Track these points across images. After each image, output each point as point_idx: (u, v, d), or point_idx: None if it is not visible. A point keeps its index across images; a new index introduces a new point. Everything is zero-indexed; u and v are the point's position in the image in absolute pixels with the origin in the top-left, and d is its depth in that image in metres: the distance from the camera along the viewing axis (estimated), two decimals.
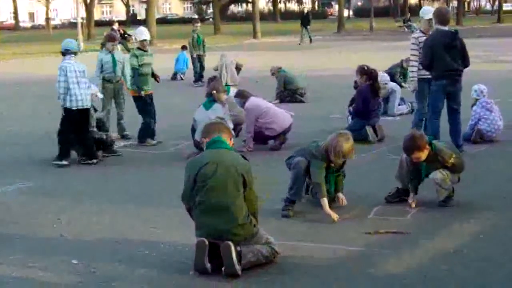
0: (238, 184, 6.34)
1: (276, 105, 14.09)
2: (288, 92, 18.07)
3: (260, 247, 6.35)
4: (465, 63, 10.87)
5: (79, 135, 11.21)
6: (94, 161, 11.20)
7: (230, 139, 6.71)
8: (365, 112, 12.51)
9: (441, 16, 10.88)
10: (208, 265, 6.17)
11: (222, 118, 11.11)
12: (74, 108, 11.08)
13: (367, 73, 12.73)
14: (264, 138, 12.04)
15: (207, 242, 6.18)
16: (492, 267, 6.28)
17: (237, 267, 6.08)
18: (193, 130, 11.57)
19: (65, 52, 11.26)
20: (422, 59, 11.03)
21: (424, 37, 11.32)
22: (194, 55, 23.69)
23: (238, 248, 6.18)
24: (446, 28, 10.82)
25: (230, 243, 6.10)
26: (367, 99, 12.55)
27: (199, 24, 24.77)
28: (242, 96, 12.29)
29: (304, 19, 46.92)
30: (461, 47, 10.79)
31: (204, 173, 6.34)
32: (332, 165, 8.06)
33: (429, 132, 10.62)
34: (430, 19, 11.44)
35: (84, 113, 11.21)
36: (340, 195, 8.28)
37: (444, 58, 10.62)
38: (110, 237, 7.42)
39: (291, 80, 18.34)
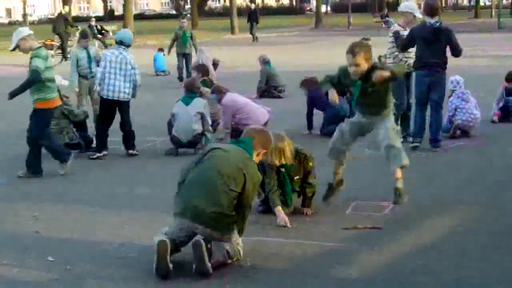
0: (236, 178, 6.18)
1: (255, 100, 14.07)
2: (266, 87, 18.17)
3: (229, 247, 6.22)
4: (454, 53, 11.14)
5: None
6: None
7: (262, 151, 6.65)
8: (330, 113, 12.48)
9: (427, 7, 11.16)
10: (171, 266, 5.99)
11: (202, 113, 11.11)
12: (104, 97, 11.34)
13: (308, 83, 12.94)
14: (241, 134, 12.00)
15: (168, 243, 6.01)
16: (469, 261, 6.31)
17: (208, 265, 5.97)
18: (170, 125, 11.53)
19: (119, 43, 11.52)
20: (401, 41, 11.28)
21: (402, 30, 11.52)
22: (179, 53, 22.32)
23: (209, 245, 6.09)
24: (432, 20, 11.01)
25: (201, 241, 5.99)
26: (314, 106, 12.78)
27: (185, 21, 23.68)
28: (218, 91, 12.28)
29: (252, 15, 45.54)
30: (446, 41, 10.97)
31: (211, 155, 6.37)
32: (282, 169, 7.77)
33: (416, 125, 11.18)
34: (404, 13, 11.70)
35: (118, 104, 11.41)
36: (306, 209, 7.92)
37: (423, 51, 10.92)
38: (85, 234, 7.37)
39: (274, 76, 18.44)
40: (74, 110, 11.82)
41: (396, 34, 11.39)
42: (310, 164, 7.84)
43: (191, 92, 11.37)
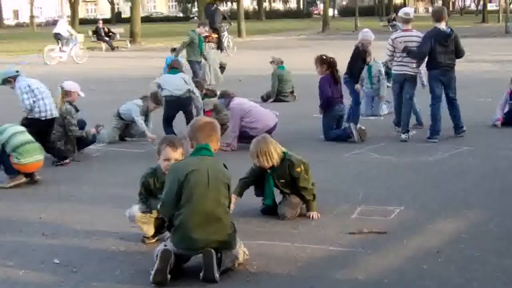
0: (226, 192, 6.26)
1: (266, 104, 14.08)
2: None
3: (236, 252, 6.27)
4: (458, 55, 12.28)
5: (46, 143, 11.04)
6: (67, 161, 11.15)
7: (217, 142, 6.45)
8: (329, 101, 12.51)
9: (434, 14, 12.49)
10: (169, 276, 5.99)
11: (186, 77, 13.10)
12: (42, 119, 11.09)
13: (327, 62, 12.70)
14: (249, 137, 12.02)
15: (173, 253, 6.03)
16: (474, 266, 6.30)
17: (217, 275, 5.97)
18: (166, 122, 12.76)
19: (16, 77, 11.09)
20: (421, 49, 12.12)
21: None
22: (194, 61, 20.01)
23: (219, 255, 6.10)
24: (442, 26, 12.14)
25: (213, 251, 6.01)
26: (330, 87, 12.55)
27: (206, 29, 21.40)
28: (226, 95, 12.31)
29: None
30: (455, 44, 12.11)
31: (195, 180, 6.09)
32: (269, 171, 7.88)
33: (437, 122, 12.15)
34: (412, 19, 12.68)
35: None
36: (311, 213, 7.88)
37: (437, 53, 12.01)
38: (91, 236, 7.37)
39: (283, 81, 18.23)
40: (73, 124, 11.54)
41: (406, 50, 12.18)
42: (298, 170, 7.83)
43: (174, 69, 13.28)
